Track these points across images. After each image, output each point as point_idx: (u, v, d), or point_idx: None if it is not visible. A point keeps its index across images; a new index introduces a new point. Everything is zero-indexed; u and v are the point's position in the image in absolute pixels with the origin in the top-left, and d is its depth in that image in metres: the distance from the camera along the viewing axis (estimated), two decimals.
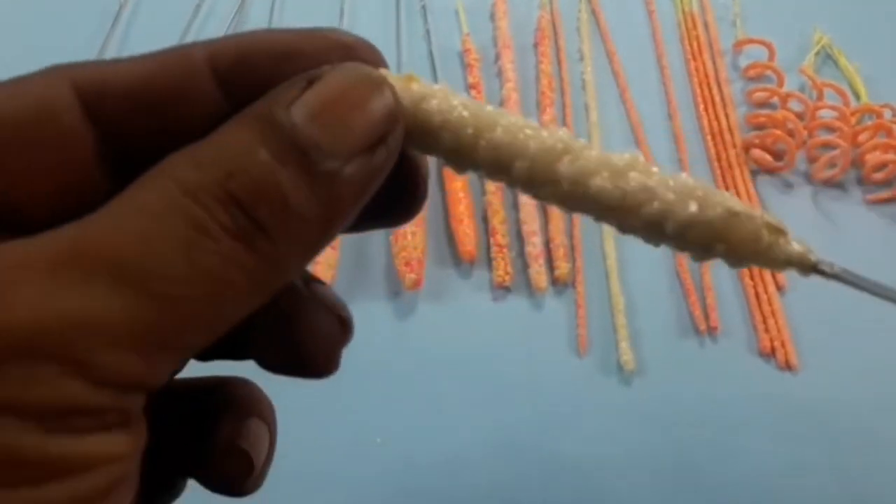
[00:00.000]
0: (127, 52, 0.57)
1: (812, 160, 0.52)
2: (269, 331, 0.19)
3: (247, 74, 0.16)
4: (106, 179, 0.16)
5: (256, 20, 0.60)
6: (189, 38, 0.58)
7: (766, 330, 0.43)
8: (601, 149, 0.18)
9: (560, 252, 0.46)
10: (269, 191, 0.14)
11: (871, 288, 0.18)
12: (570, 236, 0.47)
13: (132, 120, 0.16)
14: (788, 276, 0.46)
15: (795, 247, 0.18)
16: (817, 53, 0.58)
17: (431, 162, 0.56)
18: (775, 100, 0.55)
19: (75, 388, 0.13)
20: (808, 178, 0.51)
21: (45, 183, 0.16)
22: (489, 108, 0.18)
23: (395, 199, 0.19)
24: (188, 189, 0.14)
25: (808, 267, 0.18)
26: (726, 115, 0.54)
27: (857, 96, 0.55)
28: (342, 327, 0.20)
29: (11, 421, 0.12)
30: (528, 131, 0.17)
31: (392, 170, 0.17)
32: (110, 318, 0.13)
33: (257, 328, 0.19)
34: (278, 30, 0.17)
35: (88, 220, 0.14)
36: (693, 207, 0.17)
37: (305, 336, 0.19)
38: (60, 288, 0.13)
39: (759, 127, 0.53)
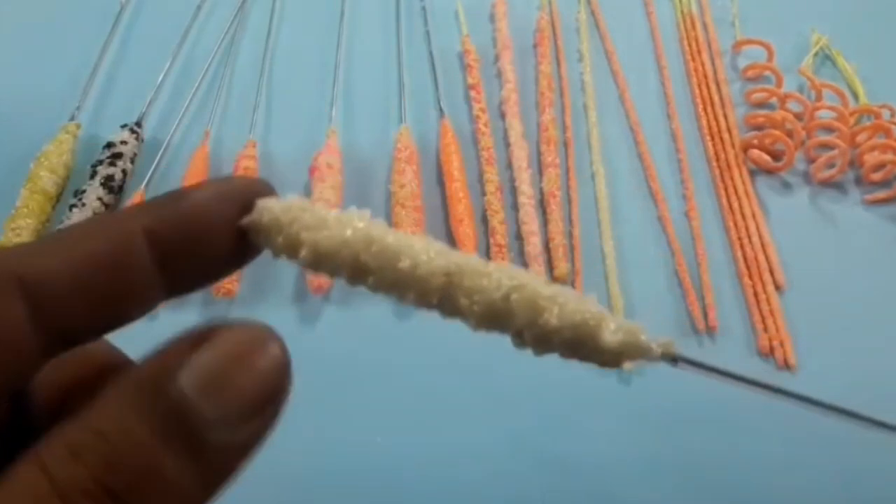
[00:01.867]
0: (127, 53, 0.58)
1: (811, 160, 0.52)
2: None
3: (185, 244, 0.17)
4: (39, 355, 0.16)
5: (257, 20, 0.60)
6: (189, 39, 0.58)
7: (765, 329, 0.43)
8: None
9: (559, 252, 0.46)
10: (154, 477, 0.13)
11: (716, 372, 0.18)
12: (570, 236, 0.47)
13: (75, 315, 0.16)
14: (787, 276, 0.46)
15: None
16: (816, 54, 0.58)
17: (431, 163, 0.56)
18: (774, 100, 0.55)
19: None
20: (807, 178, 0.52)
21: None
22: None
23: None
24: (61, 489, 0.13)
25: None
26: (725, 116, 0.54)
27: (856, 97, 0.56)
28: None
29: None
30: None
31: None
32: None
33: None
34: (194, 192, 0.17)
35: None
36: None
37: None
38: None
39: (758, 127, 0.53)
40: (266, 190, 0.18)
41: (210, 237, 0.17)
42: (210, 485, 0.14)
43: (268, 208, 0.18)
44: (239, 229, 0.17)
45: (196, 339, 0.15)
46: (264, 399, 0.15)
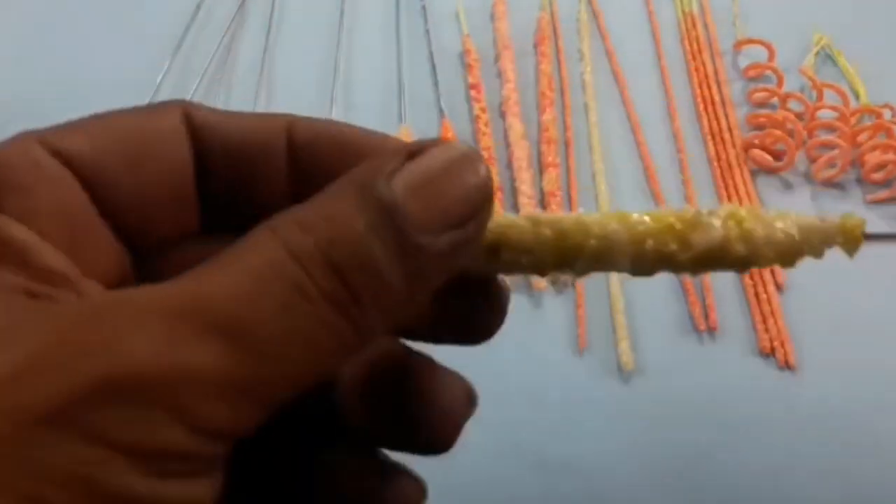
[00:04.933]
0: (126, 52, 0.57)
1: (812, 160, 0.52)
2: (382, 400, 0.20)
3: (316, 155, 0.19)
4: (197, 209, 0.19)
5: (256, 20, 0.60)
6: (189, 38, 0.58)
7: (766, 329, 0.43)
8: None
9: None
10: (364, 261, 0.15)
11: None
12: None
13: (224, 165, 0.19)
14: (788, 276, 0.46)
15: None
16: (817, 54, 0.58)
17: None
18: (775, 100, 0.55)
19: (176, 434, 0.14)
20: (808, 178, 0.51)
21: (155, 195, 0.18)
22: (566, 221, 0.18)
23: (474, 317, 0.20)
24: (294, 252, 0.15)
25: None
26: (726, 116, 0.54)
27: (857, 96, 0.55)
28: (468, 399, 0.21)
29: (119, 461, 0.13)
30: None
31: (474, 288, 0.19)
32: (215, 372, 0.14)
33: (371, 396, 0.20)
34: (353, 127, 0.19)
35: (203, 274, 0.15)
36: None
37: (427, 410, 0.20)
38: (176, 340, 0.14)
39: (759, 127, 0.53)
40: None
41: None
42: (412, 284, 0.16)
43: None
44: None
45: (412, 151, 0.16)
46: (467, 211, 0.16)
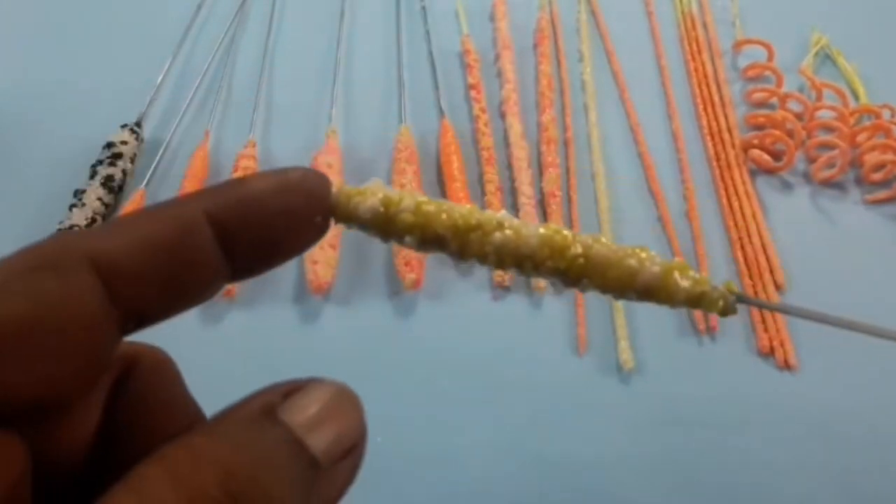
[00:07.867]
0: (127, 52, 0.58)
1: (811, 160, 0.52)
2: None
3: (246, 229, 0.17)
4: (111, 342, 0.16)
5: (257, 20, 0.60)
6: (189, 39, 0.58)
7: (766, 329, 0.43)
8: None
9: None
10: (267, 488, 0.14)
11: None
12: None
13: (146, 295, 0.16)
14: (787, 276, 0.46)
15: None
16: (816, 54, 0.58)
17: (431, 163, 0.56)
18: (774, 100, 0.55)
19: None
20: (807, 178, 0.52)
21: (55, 370, 0.15)
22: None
23: None
24: (186, 492, 0.14)
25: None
26: (725, 116, 0.54)
27: (856, 97, 0.56)
28: None
29: None
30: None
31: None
32: None
33: None
34: (253, 180, 0.18)
35: None
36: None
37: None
38: None
39: (759, 127, 0.53)
40: (322, 181, 0.19)
41: (270, 223, 0.18)
42: None
43: (349, 190, 0.19)
44: (308, 214, 0.18)
45: (287, 390, 0.16)
46: (354, 441, 0.16)
